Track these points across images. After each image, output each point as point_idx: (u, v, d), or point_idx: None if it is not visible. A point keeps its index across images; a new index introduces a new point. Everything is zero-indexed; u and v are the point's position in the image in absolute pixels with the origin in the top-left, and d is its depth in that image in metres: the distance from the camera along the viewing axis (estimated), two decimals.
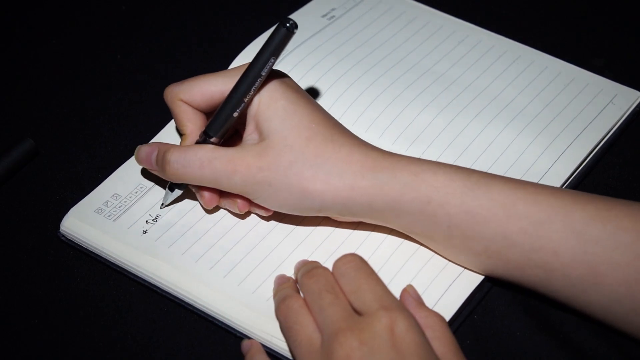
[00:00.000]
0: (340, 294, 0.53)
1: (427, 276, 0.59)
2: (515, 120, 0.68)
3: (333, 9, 0.77)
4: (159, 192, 0.64)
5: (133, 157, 0.65)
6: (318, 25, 0.75)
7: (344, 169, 0.57)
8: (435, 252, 0.60)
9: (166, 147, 0.60)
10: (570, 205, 0.55)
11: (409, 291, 0.56)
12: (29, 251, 0.62)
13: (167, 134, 0.68)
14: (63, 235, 0.62)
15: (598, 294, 0.55)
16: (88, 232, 0.61)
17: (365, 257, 0.59)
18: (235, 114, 0.58)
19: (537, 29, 0.80)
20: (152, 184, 0.64)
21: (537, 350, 0.57)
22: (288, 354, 0.56)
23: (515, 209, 0.55)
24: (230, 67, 0.71)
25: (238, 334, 0.57)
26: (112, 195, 0.63)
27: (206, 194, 0.61)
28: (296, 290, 0.57)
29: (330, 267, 0.59)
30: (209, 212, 0.62)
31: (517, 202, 0.55)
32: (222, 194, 0.61)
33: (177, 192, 0.62)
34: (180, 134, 0.62)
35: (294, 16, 0.76)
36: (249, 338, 0.57)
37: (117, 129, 0.71)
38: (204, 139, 0.60)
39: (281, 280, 0.58)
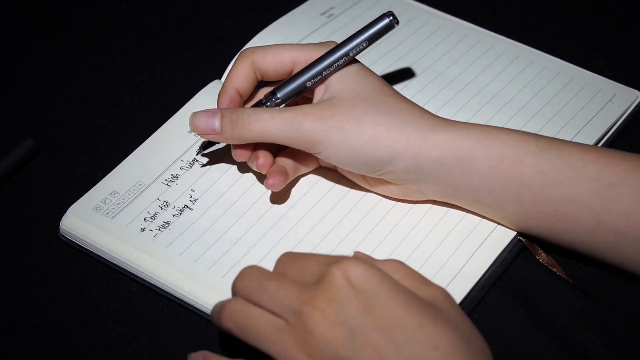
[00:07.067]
0: (282, 276, 0.51)
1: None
2: (514, 119, 0.68)
3: (332, 7, 0.77)
4: (157, 190, 0.63)
5: (132, 155, 0.65)
6: (316, 23, 0.75)
7: (417, 121, 0.58)
8: (497, 223, 0.60)
9: (232, 108, 0.60)
10: None
11: (358, 254, 0.54)
12: (29, 251, 0.62)
13: (167, 133, 0.68)
14: (63, 236, 0.62)
15: None
16: (86, 230, 0.61)
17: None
18: (309, 84, 0.60)
19: (537, 29, 0.80)
20: (151, 181, 0.64)
21: (537, 350, 0.57)
22: None
23: (586, 170, 0.55)
24: (230, 66, 0.71)
25: None
26: (111, 193, 0.63)
27: (238, 150, 0.61)
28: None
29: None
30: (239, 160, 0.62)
31: (589, 164, 0.55)
32: (255, 147, 0.61)
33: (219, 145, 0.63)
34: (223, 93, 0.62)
35: (293, 13, 0.76)
36: None
37: (116, 129, 0.71)
38: (269, 99, 0.60)
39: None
